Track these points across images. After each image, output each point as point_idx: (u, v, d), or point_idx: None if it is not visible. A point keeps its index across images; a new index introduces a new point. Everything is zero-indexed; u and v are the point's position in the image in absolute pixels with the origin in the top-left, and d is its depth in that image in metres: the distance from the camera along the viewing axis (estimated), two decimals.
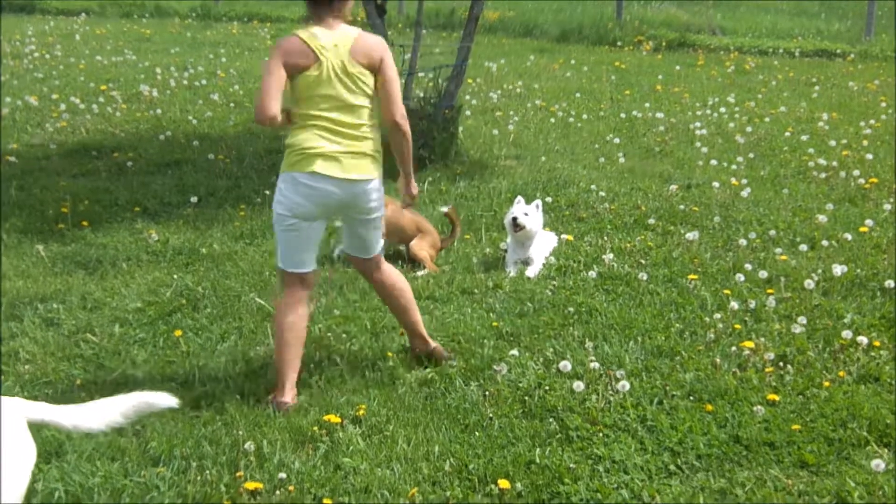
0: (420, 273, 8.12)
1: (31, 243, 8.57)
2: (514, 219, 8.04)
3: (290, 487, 4.91)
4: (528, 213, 8.09)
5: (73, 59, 18.92)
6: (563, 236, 8.83)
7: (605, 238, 8.79)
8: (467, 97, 15.29)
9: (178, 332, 6.74)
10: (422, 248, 8.31)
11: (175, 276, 7.83)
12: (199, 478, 4.97)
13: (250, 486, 4.86)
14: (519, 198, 8.30)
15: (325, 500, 4.82)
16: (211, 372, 6.19)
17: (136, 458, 5.15)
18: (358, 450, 5.27)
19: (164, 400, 4.26)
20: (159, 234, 8.80)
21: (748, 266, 7.89)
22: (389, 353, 6.42)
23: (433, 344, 6.35)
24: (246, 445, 5.17)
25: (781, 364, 6.25)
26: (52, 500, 4.77)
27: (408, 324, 6.32)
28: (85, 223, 9.11)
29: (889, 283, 7.40)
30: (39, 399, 5.73)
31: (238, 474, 4.97)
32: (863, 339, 6.43)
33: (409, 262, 8.31)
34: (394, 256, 8.24)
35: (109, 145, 12.33)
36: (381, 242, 6.20)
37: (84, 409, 4.14)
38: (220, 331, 6.83)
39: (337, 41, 5.71)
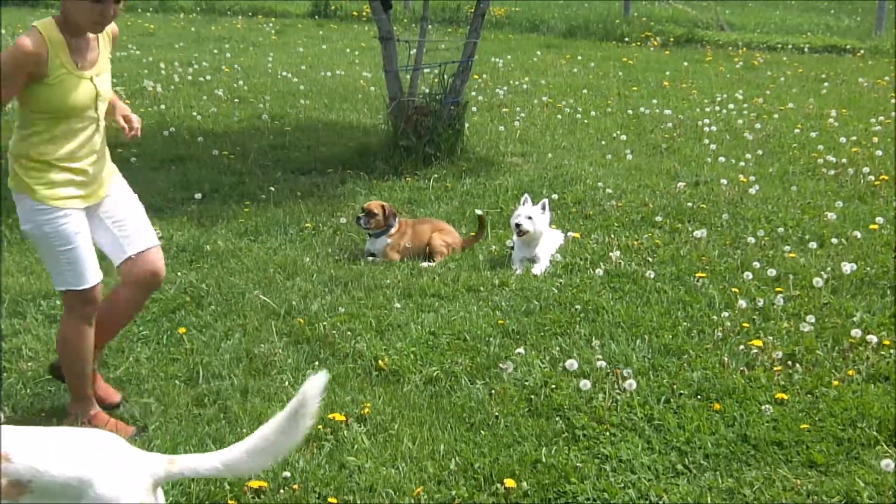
0: (424, 265, 8.11)
1: None
2: (518, 225, 8.01)
3: (295, 486, 4.88)
4: (533, 215, 8.04)
5: None
6: (570, 234, 8.79)
7: (612, 235, 8.74)
8: (473, 93, 15.24)
9: (182, 330, 6.70)
10: (441, 242, 8.44)
11: (179, 273, 7.79)
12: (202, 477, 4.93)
13: (254, 484, 4.83)
14: (526, 196, 8.26)
15: (329, 499, 4.78)
16: (215, 369, 6.15)
17: None
18: (363, 448, 5.24)
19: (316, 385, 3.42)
20: (163, 231, 8.75)
21: (756, 264, 7.84)
22: (394, 352, 6.38)
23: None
24: None
25: (790, 363, 6.19)
26: None
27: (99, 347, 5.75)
28: None
29: None
30: (42, 396, 5.74)
31: None
32: (872, 338, 6.37)
33: (428, 256, 8.39)
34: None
35: (113, 141, 12.21)
36: None
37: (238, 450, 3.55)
38: (224, 328, 6.79)
39: None
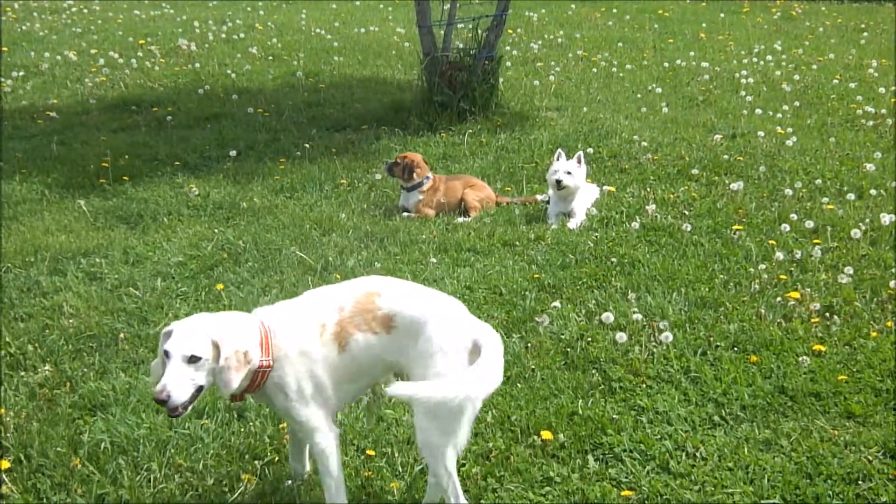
0: (460, 220, 8.14)
1: (72, 198, 8.62)
2: (558, 181, 7.98)
3: None
4: (571, 170, 8.01)
5: (111, 14, 18.96)
6: (606, 187, 8.75)
7: (648, 189, 8.69)
8: (507, 48, 15.15)
9: (220, 286, 6.76)
10: (474, 197, 8.46)
11: (216, 230, 7.84)
12: (242, 430, 4.99)
13: None
14: (560, 151, 8.22)
15: (368, 451, 4.83)
16: None
17: None
18: (400, 402, 5.27)
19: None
20: (200, 189, 8.81)
21: (794, 216, 7.78)
22: None
23: None
24: None
25: (827, 314, 6.16)
26: (98, 451, 4.80)
27: None
28: (126, 178, 9.15)
29: None
30: (83, 352, 5.82)
31: (282, 426, 4.98)
32: None
33: (462, 211, 8.44)
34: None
35: (148, 100, 12.35)
36: None
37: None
38: (262, 284, 6.84)
39: None
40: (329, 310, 4.06)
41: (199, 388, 3.89)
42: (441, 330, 3.96)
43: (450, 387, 3.76)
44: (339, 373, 4.04)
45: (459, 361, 3.95)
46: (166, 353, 3.85)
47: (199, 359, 3.83)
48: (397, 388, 3.72)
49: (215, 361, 3.86)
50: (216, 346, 3.85)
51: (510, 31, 16.34)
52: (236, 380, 3.87)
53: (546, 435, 4.90)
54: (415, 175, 8.37)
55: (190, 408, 3.91)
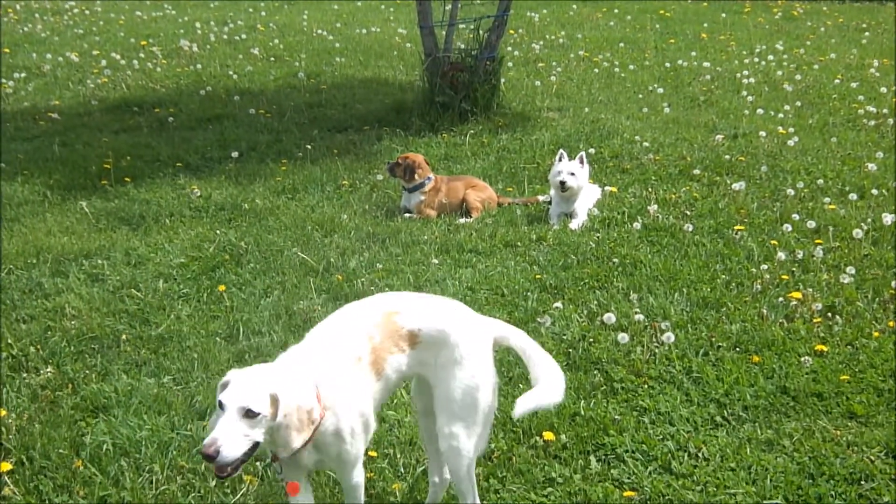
0: (461, 220, 8.15)
1: (74, 199, 8.62)
2: (562, 182, 7.98)
3: None
4: (574, 170, 8.01)
5: (113, 15, 18.97)
6: (607, 188, 8.75)
7: (650, 189, 8.69)
8: (509, 48, 15.14)
9: (222, 287, 6.76)
10: (476, 197, 8.46)
11: (218, 232, 7.85)
12: None
13: None
14: (561, 151, 8.21)
15: (370, 452, 4.82)
16: (255, 326, 6.20)
17: (182, 412, 5.18)
18: (402, 402, 5.27)
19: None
20: (201, 190, 8.81)
21: (796, 216, 7.77)
22: None
23: None
24: None
25: (830, 314, 6.16)
26: (100, 453, 4.80)
27: None
28: (128, 179, 9.15)
29: None
30: (85, 354, 5.82)
31: None
32: None
33: (464, 212, 8.45)
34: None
35: (150, 101, 12.36)
36: None
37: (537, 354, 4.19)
38: (264, 285, 6.84)
39: None
40: (361, 342, 3.89)
41: (255, 445, 3.54)
42: (464, 337, 3.97)
43: (558, 386, 4.01)
44: (377, 397, 3.96)
45: (487, 360, 4.03)
46: (220, 405, 3.52)
47: (257, 414, 3.48)
48: (522, 408, 3.97)
49: (274, 418, 3.54)
50: (275, 402, 3.53)
51: (512, 31, 16.33)
52: (298, 440, 3.60)
53: (548, 436, 4.90)
54: (416, 176, 8.38)
55: (241, 469, 3.55)
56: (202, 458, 3.51)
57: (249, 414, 3.47)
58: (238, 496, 4.51)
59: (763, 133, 10.18)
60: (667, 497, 4.48)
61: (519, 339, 4.15)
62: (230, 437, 3.45)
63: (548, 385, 4.02)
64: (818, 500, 4.43)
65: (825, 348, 5.73)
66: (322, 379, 3.74)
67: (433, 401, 4.02)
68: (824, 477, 4.58)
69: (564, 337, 5.96)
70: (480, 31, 11.19)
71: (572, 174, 8.00)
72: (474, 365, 3.96)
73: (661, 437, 4.94)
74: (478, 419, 3.99)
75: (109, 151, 9.92)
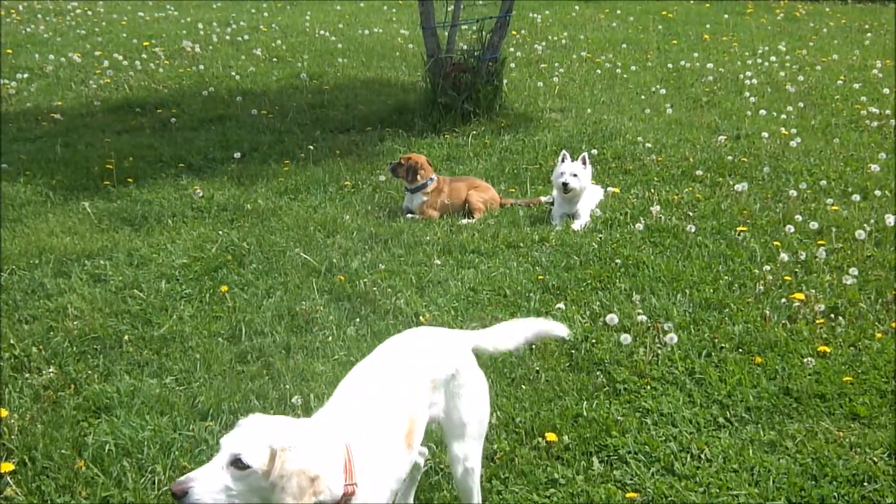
0: (464, 221, 8.15)
1: (77, 200, 8.62)
2: (565, 184, 7.98)
3: None
4: (577, 171, 8.01)
5: (116, 16, 18.97)
6: (610, 189, 8.74)
7: (652, 190, 8.69)
8: (511, 49, 15.14)
9: (225, 288, 6.76)
10: (478, 198, 8.46)
11: (220, 232, 7.84)
12: None
13: None
14: (564, 152, 8.20)
15: None
16: (257, 326, 6.20)
17: (184, 413, 5.17)
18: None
19: (560, 330, 4.51)
20: (204, 190, 8.81)
21: (798, 217, 7.77)
22: (435, 308, 6.40)
23: None
24: (293, 399, 5.18)
25: (832, 316, 6.15)
26: (102, 454, 4.80)
27: None
28: (130, 179, 9.15)
29: None
30: (87, 354, 5.82)
31: None
32: None
33: (466, 213, 8.45)
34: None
35: (153, 101, 12.36)
36: None
37: (499, 332, 4.31)
38: (266, 286, 6.84)
39: None
40: (398, 408, 3.59)
41: None
42: (462, 364, 3.96)
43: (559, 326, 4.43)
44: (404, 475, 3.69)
45: (479, 373, 4.06)
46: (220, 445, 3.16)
47: (247, 467, 3.05)
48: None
49: (267, 477, 3.07)
50: (273, 458, 3.07)
51: (514, 32, 16.33)
52: None
53: (551, 437, 4.89)
54: (419, 176, 8.38)
55: None
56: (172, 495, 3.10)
57: (238, 464, 3.06)
58: None
59: (766, 134, 10.17)
60: (669, 498, 4.48)
61: (486, 340, 4.23)
62: (207, 484, 3.06)
63: (551, 325, 4.35)
64: (821, 502, 4.43)
65: (828, 349, 5.72)
66: (357, 448, 3.32)
67: (443, 433, 3.97)
68: (827, 478, 4.57)
69: (567, 338, 5.95)
70: (483, 32, 11.18)
71: (575, 175, 7.99)
72: (473, 384, 3.97)
73: (663, 438, 4.93)
74: (484, 431, 4.03)
75: (112, 152, 9.92)
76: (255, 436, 3.11)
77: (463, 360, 3.97)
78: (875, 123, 10.63)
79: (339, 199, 8.73)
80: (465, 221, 8.18)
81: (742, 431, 5.00)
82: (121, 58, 14.74)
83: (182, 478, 3.08)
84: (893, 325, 6.00)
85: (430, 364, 3.83)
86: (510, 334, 4.31)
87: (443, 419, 3.91)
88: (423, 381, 3.76)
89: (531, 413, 5.14)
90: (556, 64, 14.43)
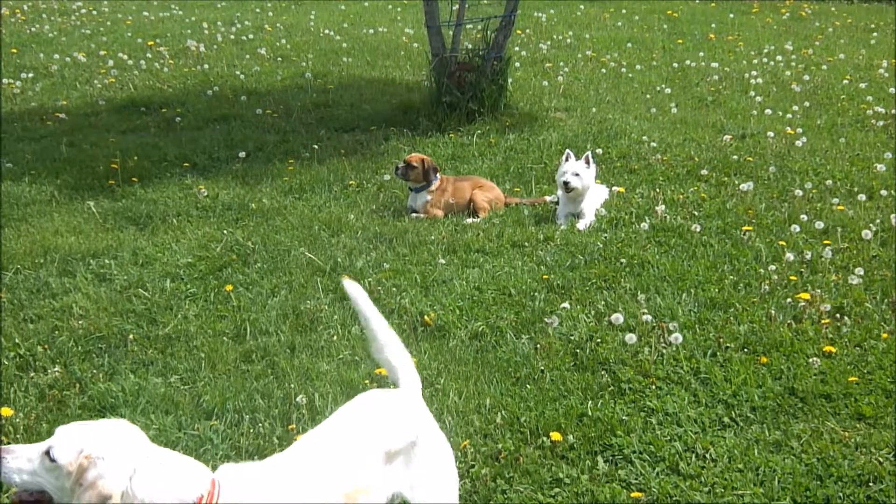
0: (468, 221, 8.14)
1: (82, 199, 8.63)
2: (566, 183, 7.98)
3: None
4: (579, 171, 8.00)
5: (121, 15, 19.00)
6: (615, 188, 8.74)
7: (658, 189, 8.68)
8: (516, 48, 15.14)
9: (229, 287, 6.76)
10: (483, 198, 8.47)
11: (225, 232, 7.85)
12: (251, 430, 4.99)
13: (298, 438, 4.86)
14: (568, 152, 8.20)
15: None
16: (262, 326, 6.20)
17: (189, 412, 5.18)
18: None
19: None
20: (209, 190, 8.82)
21: (804, 217, 7.75)
22: (440, 307, 6.39)
23: None
24: (298, 398, 5.18)
25: (838, 315, 6.14)
26: None
27: None
28: (135, 179, 9.16)
29: None
30: (92, 353, 5.82)
31: (290, 427, 4.98)
32: None
33: (471, 212, 8.46)
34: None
35: (157, 101, 12.37)
36: None
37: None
38: (271, 285, 6.84)
39: None
40: (327, 489, 3.24)
41: (41, 493, 3.06)
42: (426, 436, 3.65)
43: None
44: None
45: (437, 428, 3.80)
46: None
47: (54, 461, 2.99)
48: None
49: (68, 479, 2.98)
50: (79, 464, 2.96)
51: (519, 31, 16.33)
52: None
53: (555, 436, 4.88)
54: (411, 175, 8.40)
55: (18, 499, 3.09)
56: None
57: (49, 455, 3.00)
58: None
59: (771, 133, 10.16)
60: (674, 498, 4.47)
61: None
62: (20, 462, 3.05)
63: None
64: (826, 502, 4.42)
65: (833, 349, 5.71)
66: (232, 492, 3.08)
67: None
68: (832, 478, 4.56)
69: (572, 337, 5.95)
70: (488, 32, 11.18)
71: (576, 175, 7.98)
72: (438, 450, 3.71)
73: (668, 437, 4.92)
74: (456, 498, 3.77)
75: (117, 151, 9.93)
76: (80, 435, 3.03)
77: (423, 425, 3.68)
78: (881, 123, 10.61)
79: (343, 199, 8.73)
80: (469, 221, 8.18)
81: (747, 431, 4.99)
82: (125, 57, 14.76)
83: (7, 446, 3.10)
84: None
85: (384, 433, 3.48)
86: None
87: (407, 494, 3.56)
88: (373, 454, 3.41)
89: (536, 412, 5.13)
90: (561, 63, 14.43)
